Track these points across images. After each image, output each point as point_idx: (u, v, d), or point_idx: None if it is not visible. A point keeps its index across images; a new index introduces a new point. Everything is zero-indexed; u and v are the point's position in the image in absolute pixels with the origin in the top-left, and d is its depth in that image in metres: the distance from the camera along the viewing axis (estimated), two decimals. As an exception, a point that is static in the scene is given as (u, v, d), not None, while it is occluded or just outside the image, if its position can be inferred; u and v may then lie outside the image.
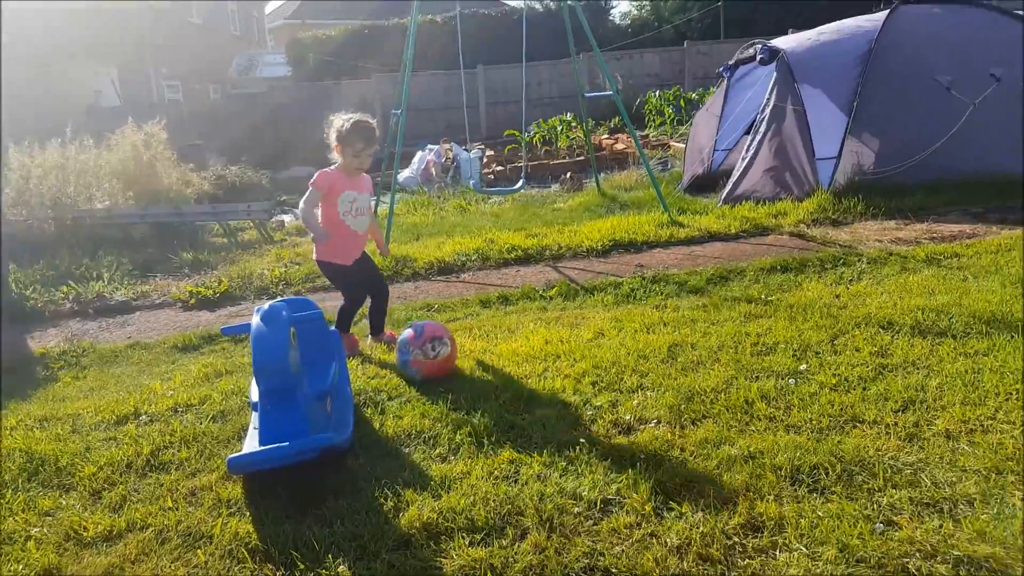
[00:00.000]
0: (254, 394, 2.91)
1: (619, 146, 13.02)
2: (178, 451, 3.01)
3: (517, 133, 12.71)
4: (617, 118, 14.83)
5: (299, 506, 2.49)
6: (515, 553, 2.13)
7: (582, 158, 12.37)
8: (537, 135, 14.01)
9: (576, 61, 8.53)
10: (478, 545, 2.18)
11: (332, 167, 3.90)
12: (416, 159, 13.50)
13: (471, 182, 11.33)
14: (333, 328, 3.67)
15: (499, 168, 12.99)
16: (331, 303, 5.62)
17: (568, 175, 10.86)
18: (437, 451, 2.80)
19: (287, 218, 10.69)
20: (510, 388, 3.31)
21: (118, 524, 2.48)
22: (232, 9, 29.35)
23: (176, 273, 7.30)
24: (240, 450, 2.87)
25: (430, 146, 13.82)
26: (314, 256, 4.01)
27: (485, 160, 13.47)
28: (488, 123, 19.63)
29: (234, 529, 2.38)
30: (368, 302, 4.23)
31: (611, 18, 27.43)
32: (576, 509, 2.30)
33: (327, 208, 3.87)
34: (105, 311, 5.98)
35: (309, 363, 3.12)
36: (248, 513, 2.49)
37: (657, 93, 15.68)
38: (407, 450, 2.83)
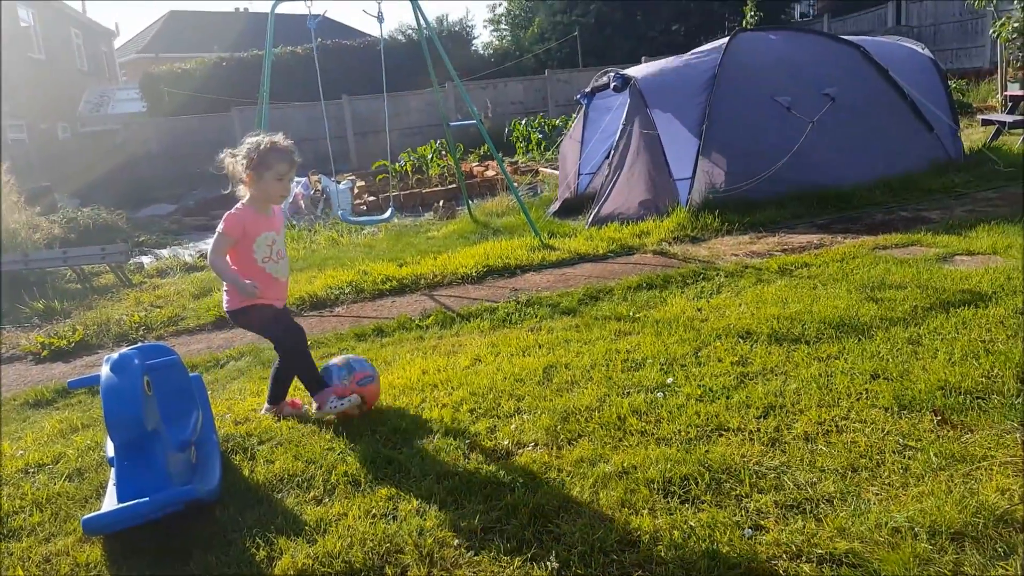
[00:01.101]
0: (110, 449, 2.69)
1: (490, 173, 13.19)
2: (30, 515, 2.75)
3: (386, 163, 12.60)
4: (486, 146, 15.07)
5: (165, 564, 2.31)
6: (392, 596, 2.04)
7: (454, 186, 12.43)
8: (408, 164, 13.95)
9: (439, 91, 8.58)
10: (356, 590, 2.08)
11: (240, 205, 3.21)
12: (285, 191, 13.03)
13: (340, 213, 11.10)
14: (195, 375, 3.40)
15: (371, 198, 12.81)
16: (195, 347, 5.30)
17: (440, 203, 10.88)
18: (312, 494, 2.67)
19: (146, 260, 10.07)
20: (388, 422, 3.22)
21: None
22: (78, 44, 27.41)
23: (25, 324, 6.67)
24: (98, 509, 2.63)
25: (298, 179, 13.42)
26: (225, 307, 3.30)
27: (356, 191, 13.26)
28: (358, 153, 19.40)
29: (84, 602, 2.16)
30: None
31: (474, 48, 27.94)
32: (456, 541, 2.25)
33: (242, 256, 3.20)
34: (-68, 370, 5.34)
35: (168, 412, 2.90)
36: (106, 578, 2.27)
37: (523, 120, 16.07)
38: (279, 495, 2.68)
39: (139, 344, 3.71)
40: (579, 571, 2.06)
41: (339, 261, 7.53)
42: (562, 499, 2.44)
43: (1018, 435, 2.54)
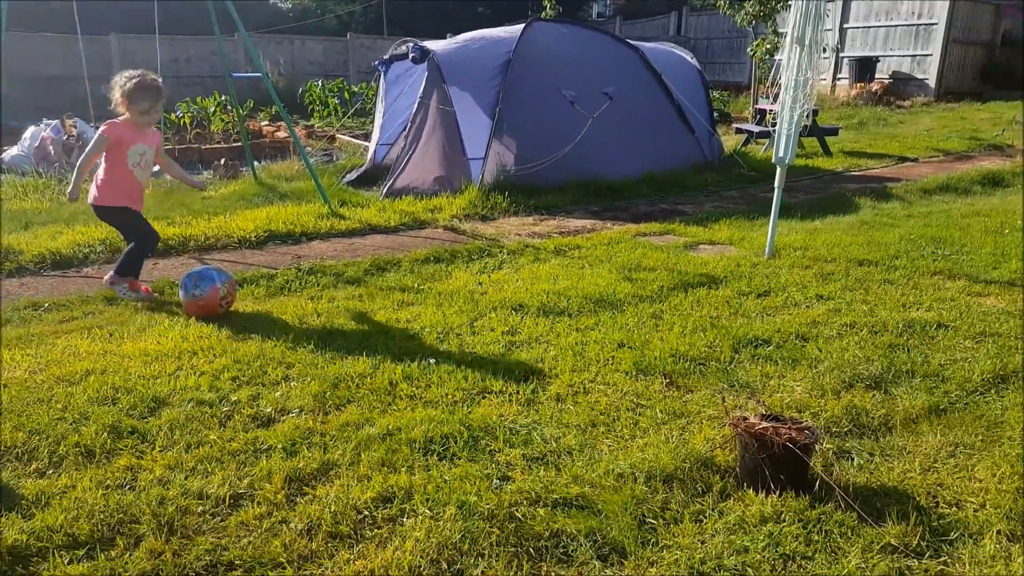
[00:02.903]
0: None
1: (281, 134, 12.55)
2: None
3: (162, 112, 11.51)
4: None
5: None
6: (126, 563, 1.92)
7: (239, 144, 11.66)
8: (187, 116, 12.79)
9: (220, 38, 7.98)
10: (80, 561, 1.93)
11: (120, 119, 4.02)
12: (28, 135, 11.41)
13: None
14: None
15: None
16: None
17: (222, 161, 10.15)
18: (33, 467, 2.41)
19: None
20: (135, 391, 2.99)
21: None
22: None
23: None
24: None
25: (47, 121, 11.82)
26: (98, 202, 4.09)
27: (124, 141, 11.95)
28: (129, 100, 17.46)
29: None
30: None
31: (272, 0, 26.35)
32: (201, 508, 2.16)
33: (116, 159, 4.02)
34: None
35: None
36: None
37: (320, 83, 15.45)
38: (-8, 470, 2.39)
39: None
40: (330, 529, 2.07)
41: (92, 216, 6.76)
42: (322, 463, 2.43)
43: (726, 394, 2.96)
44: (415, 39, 8.23)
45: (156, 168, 4.45)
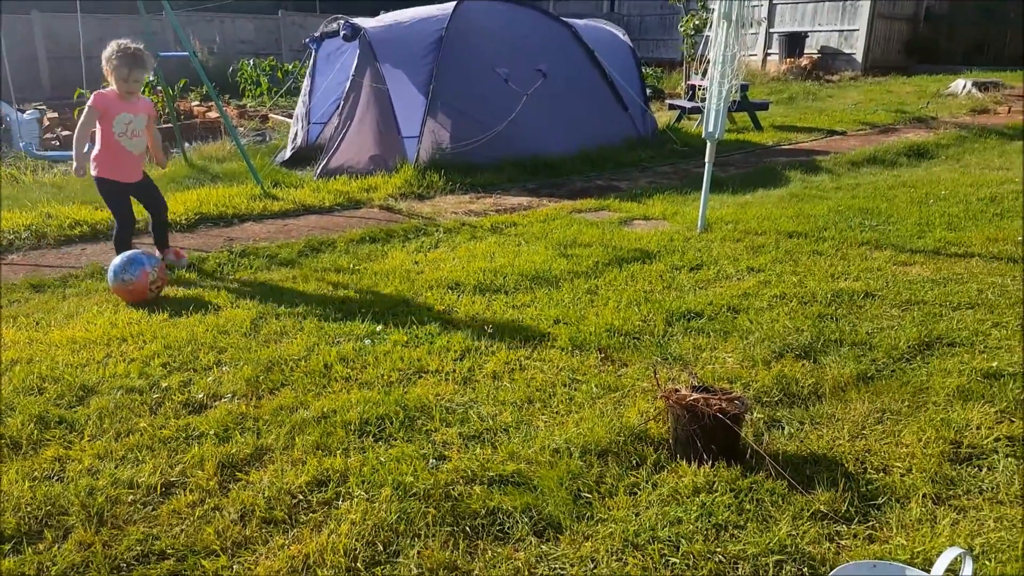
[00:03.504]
0: None
1: (213, 114, 12.16)
2: None
3: (85, 91, 11.04)
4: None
5: None
6: (54, 556, 1.89)
7: (169, 125, 11.26)
8: (114, 97, 12.32)
9: (146, 17, 7.68)
10: (7, 556, 1.89)
11: (106, 89, 4.17)
12: (-55, 117, 10.81)
13: (22, 145, 9.52)
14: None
15: (66, 133, 11.13)
16: None
17: (152, 143, 9.80)
18: (-46, 462, 2.33)
19: None
20: (63, 380, 2.91)
21: None
22: None
23: None
24: None
25: (-35, 103, 11.19)
26: (93, 172, 4.19)
27: (47, 123, 11.43)
28: (53, 80, 16.67)
29: None
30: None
31: (200, -25, 25.30)
32: (131, 498, 2.13)
33: (103, 129, 4.11)
34: None
35: None
36: None
37: (251, 62, 15.00)
38: (-90, 469, 2.31)
39: None
40: (263, 515, 2.08)
41: (17, 201, 6.48)
42: (255, 447, 2.42)
43: (659, 367, 3.05)
44: (347, 16, 8.06)
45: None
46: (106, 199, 4.40)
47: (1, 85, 8.99)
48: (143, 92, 4.50)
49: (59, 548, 1.93)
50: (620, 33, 9.47)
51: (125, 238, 4.37)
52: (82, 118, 4.08)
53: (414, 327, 3.50)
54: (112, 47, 4.10)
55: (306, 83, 8.87)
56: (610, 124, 8.58)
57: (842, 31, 16.44)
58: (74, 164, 4.13)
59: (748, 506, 2.14)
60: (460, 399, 2.80)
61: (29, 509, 2.07)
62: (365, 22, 7.78)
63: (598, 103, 8.52)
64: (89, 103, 4.07)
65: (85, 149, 4.16)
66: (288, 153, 8.68)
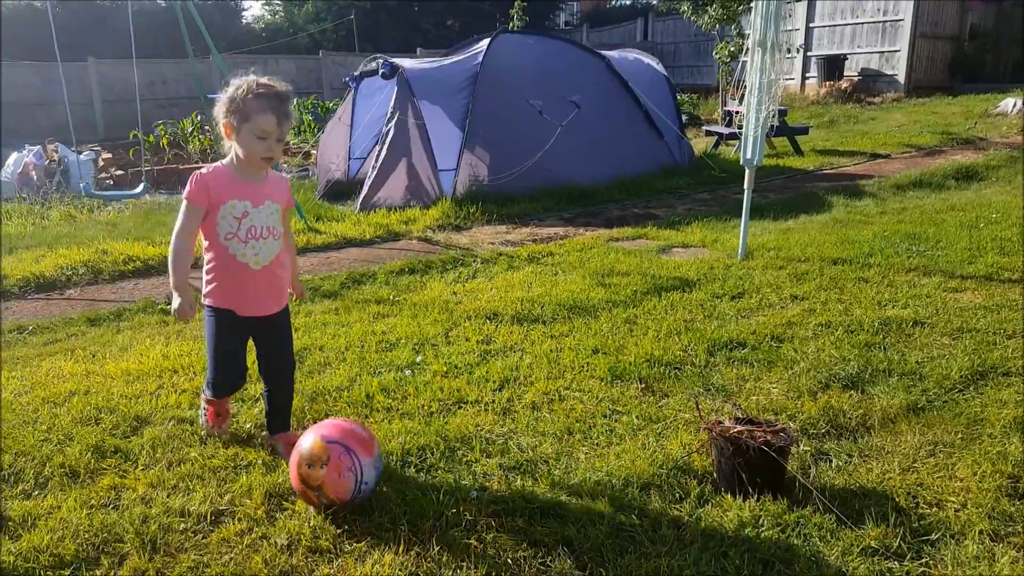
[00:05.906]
0: None
1: (258, 152, 12.53)
2: None
3: (140, 134, 11.51)
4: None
5: None
6: (110, 584, 1.96)
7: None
8: (165, 137, 12.81)
9: (195, 62, 8.02)
10: (65, 584, 1.96)
11: (217, 163, 2.52)
12: (12, 160, 11.39)
13: (83, 186, 9.94)
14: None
15: (119, 172, 11.60)
16: None
17: (200, 181, 10.12)
18: (20, 488, 2.44)
19: None
20: (118, 410, 3.02)
21: None
22: None
23: None
24: None
25: (28, 146, 11.77)
26: (204, 301, 2.57)
27: (102, 163, 11.92)
28: (106, 123, 17.43)
29: None
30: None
31: (244, 20, 26.34)
32: (183, 526, 2.20)
33: (207, 229, 2.47)
34: None
35: None
36: None
37: (294, 100, 15.46)
38: (-23, 497, 2.41)
39: None
40: (310, 544, 2.12)
41: (75, 239, 6.77)
42: (301, 477, 2.46)
43: (701, 398, 3.03)
44: (385, 55, 8.30)
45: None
46: (207, 335, 2.63)
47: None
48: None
49: (115, 574, 2.00)
50: (654, 62, 9.55)
51: (216, 394, 2.76)
52: (179, 220, 2.45)
53: (453, 357, 3.54)
54: (244, 84, 2.39)
55: (346, 119, 9.11)
56: (646, 152, 8.62)
57: (883, 52, 16.26)
58: (175, 298, 2.41)
59: (795, 541, 2.09)
60: (500, 430, 2.82)
61: (87, 536, 2.15)
62: (403, 61, 8.01)
63: (633, 132, 8.58)
64: (186, 193, 2.43)
65: (190, 265, 2.48)
66: (323, 188, 8.85)
